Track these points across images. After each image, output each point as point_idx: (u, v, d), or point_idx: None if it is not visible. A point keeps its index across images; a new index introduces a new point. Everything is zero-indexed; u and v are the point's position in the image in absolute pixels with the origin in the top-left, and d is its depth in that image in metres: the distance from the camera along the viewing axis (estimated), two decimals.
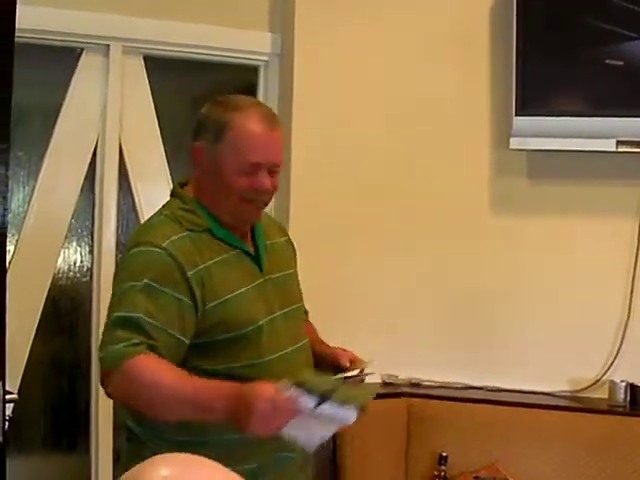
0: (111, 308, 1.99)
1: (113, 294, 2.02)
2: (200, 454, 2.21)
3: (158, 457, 0.95)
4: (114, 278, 2.06)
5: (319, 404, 1.79)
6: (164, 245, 1.99)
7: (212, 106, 2.11)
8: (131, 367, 1.88)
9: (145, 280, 1.96)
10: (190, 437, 2.02)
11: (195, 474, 0.92)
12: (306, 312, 2.41)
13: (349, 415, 1.83)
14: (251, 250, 2.15)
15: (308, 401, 1.78)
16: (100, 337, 2.02)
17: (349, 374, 2.04)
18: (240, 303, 2.06)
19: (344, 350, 2.23)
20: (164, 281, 1.97)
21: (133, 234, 2.21)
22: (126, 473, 0.95)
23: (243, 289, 2.08)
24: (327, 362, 2.21)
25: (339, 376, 1.99)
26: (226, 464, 2.18)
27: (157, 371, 1.89)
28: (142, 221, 3.26)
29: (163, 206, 2.18)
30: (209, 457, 2.09)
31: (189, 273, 1.99)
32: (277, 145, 2.07)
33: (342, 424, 1.87)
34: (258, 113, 2.06)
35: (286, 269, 2.24)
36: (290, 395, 1.78)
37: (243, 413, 1.79)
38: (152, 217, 2.16)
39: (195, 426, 2.02)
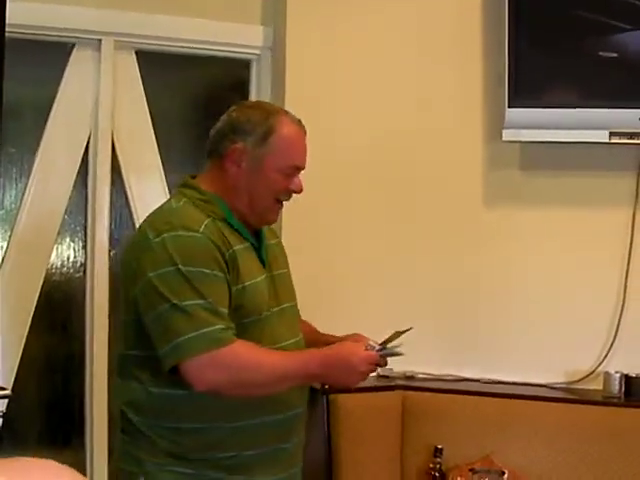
0: (165, 293, 1.99)
1: (158, 278, 2.00)
2: (198, 440, 2.23)
3: None
4: (142, 258, 2.04)
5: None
6: (201, 230, 2.05)
7: (247, 109, 2.23)
8: (229, 353, 2.00)
9: (198, 266, 2.02)
10: (190, 424, 2.07)
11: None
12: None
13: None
14: (257, 245, 2.22)
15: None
16: (158, 324, 2.01)
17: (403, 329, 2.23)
18: (256, 291, 2.13)
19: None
20: (214, 265, 2.03)
21: (154, 217, 2.16)
22: None
23: (257, 279, 2.15)
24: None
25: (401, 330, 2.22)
26: (222, 450, 2.22)
27: (258, 354, 2.05)
28: (135, 216, 3.28)
29: (175, 195, 2.21)
30: (207, 443, 2.11)
31: (226, 255, 2.07)
32: (306, 149, 2.25)
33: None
34: (295, 119, 2.22)
35: (283, 268, 2.32)
36: (377, 351, 2.12)
37: (344, 372, 2.08)
38: (170, 202, 2.19)
39: (195, 413, 2.08)
